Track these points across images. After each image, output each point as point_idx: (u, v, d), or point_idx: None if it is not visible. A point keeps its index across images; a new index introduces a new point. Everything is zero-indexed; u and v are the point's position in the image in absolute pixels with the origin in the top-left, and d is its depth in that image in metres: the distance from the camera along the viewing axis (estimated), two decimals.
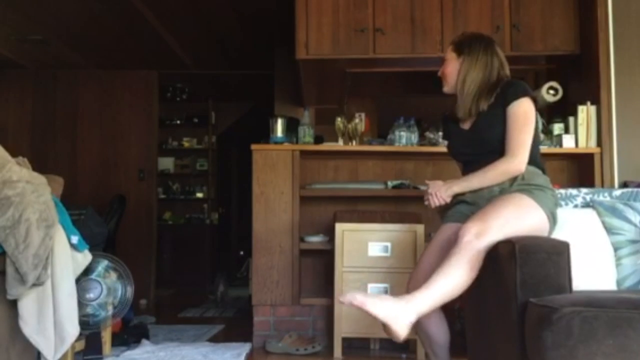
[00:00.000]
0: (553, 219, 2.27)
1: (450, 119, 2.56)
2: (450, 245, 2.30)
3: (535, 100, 2.39)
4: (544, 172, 2.39)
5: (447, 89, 2.54)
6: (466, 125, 2.47)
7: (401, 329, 1.96)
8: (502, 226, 2.09)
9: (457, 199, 2.45)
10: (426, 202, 2.47)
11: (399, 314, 1.96)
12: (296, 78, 4.69)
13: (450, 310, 3.36)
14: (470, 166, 2.45)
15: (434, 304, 2.03)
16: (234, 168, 9.21)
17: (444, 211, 2.52)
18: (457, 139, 2.52)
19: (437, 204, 2.43)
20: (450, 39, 2.73)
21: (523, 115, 2.33)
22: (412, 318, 1.98)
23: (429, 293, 2.02)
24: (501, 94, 2.37)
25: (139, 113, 6.56)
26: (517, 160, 2.29)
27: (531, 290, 1.85)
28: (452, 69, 2.49)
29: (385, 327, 1.99)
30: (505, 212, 2.15)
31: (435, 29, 3.82)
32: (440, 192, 2.41)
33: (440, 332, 2.43)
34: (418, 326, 2.40)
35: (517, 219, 2.14)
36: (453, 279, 2.03)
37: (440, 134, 3.66)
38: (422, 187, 3.72)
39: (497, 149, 2.34)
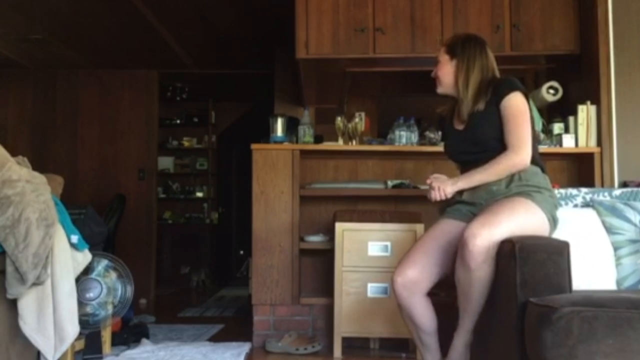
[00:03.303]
0: (553, 222, 2.28)
1: (446, 120, 2.58)
2: (445, 238, 2.38)
3: (526, 95, 2.40)
4: (543, 170, 2.40)
5: (441, 90, 2.55)
6: (460, 126, 2.49)
7: None
8: (505, 231, 2.11)
9: (455, 198, 2.45)
10: (428, 196, 2.46)
11: None
12: (296, 78, 4.68)
13: (450, 310, 3.37)
14: (467, 166, 2.46)
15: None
16: (234, 168, 9.21)
17: (444, 206, 2.53)
18: (453, 139, 2.55)
19: (439, 198, 2.42)
20: None
21: (517, 109, 2.34)
22: None
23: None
24: (493, 93, 2.39)
25: (139, 113, 6.56)
26: (521, 154, 2.31)
27: (531, 290, 1.85)
28: (446, 70, 2.50)
29: None
30: (509, 218, 2.16)
31: (435, 29, 3.82)
32: (444, 187, 2.40)
33: (426, 318, 2.42)
34: (403, 312, 2.42)
35: (520, 223, 2.16)
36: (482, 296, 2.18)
37: (440, 133, 3.65)
38: (422, 187, 3.72)
39: (492, 147, 2.36)
